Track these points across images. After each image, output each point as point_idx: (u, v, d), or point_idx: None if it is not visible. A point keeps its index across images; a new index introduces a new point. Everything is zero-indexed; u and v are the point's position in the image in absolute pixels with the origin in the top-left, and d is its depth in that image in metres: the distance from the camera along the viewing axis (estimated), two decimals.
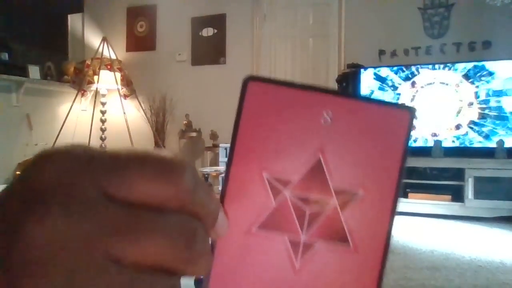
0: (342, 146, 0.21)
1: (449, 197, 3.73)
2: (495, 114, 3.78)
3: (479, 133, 3.82)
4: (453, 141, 3.90)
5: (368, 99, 0.21)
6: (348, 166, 0.21)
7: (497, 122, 3.77)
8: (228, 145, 0.21)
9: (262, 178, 0.21)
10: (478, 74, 3.81)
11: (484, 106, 3.81)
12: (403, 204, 3.82)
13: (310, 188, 0.21)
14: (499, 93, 3.76)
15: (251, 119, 0.21)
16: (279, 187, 0.21)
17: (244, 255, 0.21)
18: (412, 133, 0.21)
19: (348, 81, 4.24)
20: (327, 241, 0.21)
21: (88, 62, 4.76)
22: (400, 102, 4.04)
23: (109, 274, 0.15)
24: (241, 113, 0.21)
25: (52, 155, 0.17)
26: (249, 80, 0.21)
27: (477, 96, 3.82)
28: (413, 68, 4.02)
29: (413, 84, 4.03)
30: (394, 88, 4.09)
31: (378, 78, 4.14)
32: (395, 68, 4.09)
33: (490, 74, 3.78)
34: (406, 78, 4.04)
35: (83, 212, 0.15)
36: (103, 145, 4.83)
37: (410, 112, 0.21)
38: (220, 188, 0.21)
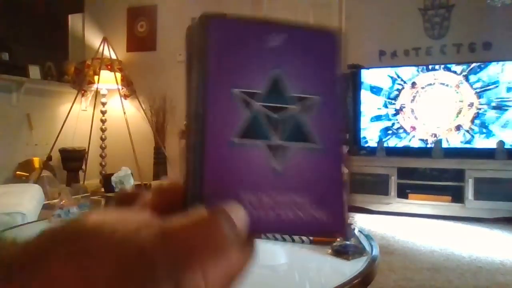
0: (293, 62, 0.26)
1: (449, 198, 3.73)
2: (496, 115, 3.78)
3: (479, 134, 3.82)
4: (453, 142, 3.90)
5: (304, 25, 0.26)
6: (302, 77, 0.26)
7: (497, 123, 3.77)
8: None
9: (234, 94, 0.24)
10: (479, 75, 3.81)
11: (484, 107, 3.81)
12: (403, 205, 3.82)
13: (275, 98, 0.25)
14: (499, 94, 3.76)
15: (217, 49, 0.24)
16: (249, 100, 0.24)
17: (230, 164, 0.23)
18: (342, 55, 0.28)
19: (349, 81, 4.24)
20: (298, 142, 0.25)
21: (89, 62, 4.76)
22: (399, 101, 4.05)
23: None
24: (208, 45, 0.24)
25: None
26: (210, 18, 0.25)
27: (477, 97, 3.82)
28: (413, 69, 4.02)
29: (413, 85, 4.03)
30: (394, 88, 4.09)
31: (378, 78, 4.14)
32: (395, 69, 4.09)
33: (490, 75, 3.78)
34: (406, 79, 4.04)
35: None
36: (103, 145, 4.84)
37: (336, 32, 0.28)
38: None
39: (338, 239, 1.11)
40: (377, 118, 4.16)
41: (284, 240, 1.21)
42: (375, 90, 4.15)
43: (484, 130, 3.81)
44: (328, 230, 0.25)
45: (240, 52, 0.25)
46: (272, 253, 1.23)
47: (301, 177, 0.25)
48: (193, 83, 0.24)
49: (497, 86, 3.76)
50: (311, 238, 1.19)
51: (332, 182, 0.25)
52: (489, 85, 3.79)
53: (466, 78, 3.85)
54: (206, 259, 0.18)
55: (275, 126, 0.25)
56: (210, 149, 0.23)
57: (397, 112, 4.09)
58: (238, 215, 0.21)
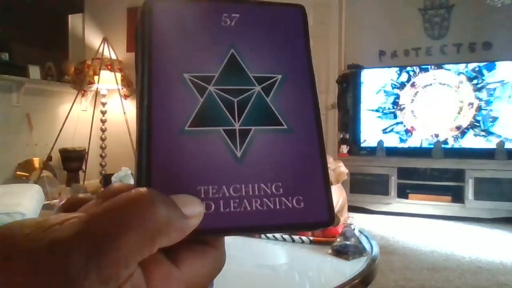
0: (250, 41, 0.24)
1: (449, 198, 3.73)
2: (496, 115, 3.78)
3: (479, 134, 3.82)
4: (454, 142, 3.90)
5: (261, 2, 0.25)
6: (261, 56, 0.24)
7: (498, 123, 3.77)
8: None
9: (185, 79, 0.22)
10: (479, 75, 3.81)
11: (484, 107, 3.81)
12: (403, 205, 3.82)
13: (231, 80, 0.23)
14: (499, 94, 3.76)
15: (163, 33, 0.22)
16: (202, 84, 0.22)
17: (182, 153, 0.21)
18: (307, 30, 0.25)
19: (348, 81, 4.24)
20: (261, 125, 0.22)
21: (89, 62, 4.75)
22: (399, 101, 4.04)
23: None
24: (152, 29, 0.22)
25: None
26: (153, 1, 0.23)
27: (477, 97, 3.82)
28: (414, 69, 4.02)
29: (413, 85, 4.03)
30: (394, 88, 4.09)
31: (378, 78, 4.14)
32: (395, 69, 4.09)
33: (490, 75, 3.78)
34: (406, 79, 4.04)
35: None
36: (103, 145, 4.84)
37: (301, 8, 0.25)
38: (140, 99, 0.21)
39: (337, 239, 1.11)
40: (377, 118, 4.16)
41: (284, 240, 1.21)
42: (375, 90, 4.15)
43: (484, 130, 3.81)
44: (310, 221, 0.22)
45: (189, 35, 0.23)
46: (272, 253, 1.23)
47: (268, 163, 0.22)
48: (139, 72, 0.22)
49: (497, 86, 3.76)
50: (311, 238, 1.19)
51: (307, 165, 0.22)
52: (489, 85, 3.79)
53: (466, 78, 3.85)
54: (133, 240, 0.16)
55: (233, 110, 0.22)
56: (156, 138, 0.21)
57: (397, 112, 4.09)
58: (189, 204, 0.19)
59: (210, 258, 0.20)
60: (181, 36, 0.23)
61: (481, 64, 3.81)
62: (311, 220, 0.22)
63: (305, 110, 0.23)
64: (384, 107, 4.13)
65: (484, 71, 3.79)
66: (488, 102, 3.80)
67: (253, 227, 0.21)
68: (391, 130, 4.12)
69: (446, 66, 3.92)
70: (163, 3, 0.23)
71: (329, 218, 0.22)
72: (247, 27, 0.24)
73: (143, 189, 0.18)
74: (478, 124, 3.83)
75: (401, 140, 4.09)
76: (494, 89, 3.77)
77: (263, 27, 0.24)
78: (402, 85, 4.06)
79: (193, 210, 0.19)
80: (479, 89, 3.82)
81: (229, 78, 0.23)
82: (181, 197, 0.19)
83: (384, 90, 4.12)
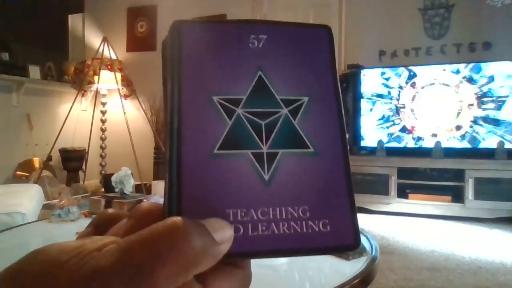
0: (277, 63, 0.24)
1: (449, 198, 3.73)
2: (496, 115, 3.78)
3: (479, 134, 3.82)
4: (454, 142, 3.90)
5: (288, 23, 0.25)
6: (288, 78, 0.24)
7: (498, 123, 3.77)
8: None
9: (213, 102, 0.22)
10: (478, 75, 3.81)
11: (484, 107, 3.81)
12: (403, 205, 3.82)
13: (259, 103, 0.23)
14: (499, 94, 3.76)
15: (192, 56, 0.23)
16: (230, 107, 0.23)
17: (211, 177, 0.21)
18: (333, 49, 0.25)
19: (348, 81, 4.24)
20: (288, 148, 0.23)
21: (89, 62, 4.76)
22: (399, 101, 4.04)
23: None
24: (182, 52, 0.23)
25: None
26: (182, 24, 0.23)
27: (477, 97, 3.83)
28: (414, 69, 4.02)
29: (413, 85, 4.03)
30: (394, 88, 4.09)
31: (378, 78, 4.14)
32: (395, 69, 4.09)
33: (490, 75, 3.78)
34: (406, 79, 4.04)
35: None
36: (103, 145, 4.84)
37: (327, 28, 0.26)
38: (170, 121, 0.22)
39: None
40: (377, 118, 4.16)
41: None
42: (375, 90, 4.15)
43: (484, 130, 3.81)
44: (336, 245, 0.22)
45: (217, 57, 0.23)
46: None
47: (295, 186, 0.22)
48: (169, 94, 0.22)
49: (497, 86, 3.76)
50: None
51: (332, 188, 0.23)
52: (489, 85, 3.79)
53: (466, 78, 3.85)
54: (169, 272, 0.17)
55: (261, 133, 0.23)
56: (186, 162, 0.21)
57: (397, 112, 4.09)
58: (220, 229, 0.19)
59: (237, 279, 0.21)
60: (209, 58, 0.23)
61: (481, 64, 3.81)
62: (337, 244, 0.22)
63: (332, 133, 0.24)
64: (384, 107, 4.13)
65: (484, 71, 3.79)
66: (488, 102, 3.80)
67: (280, 251, 0.21)
68: (391, 130, 4.12)
69: (446, 66, 3.92)
70: (192, 24, 0.23)
71: (355, 242, 0.22)
72: (274, 49, 0.24)
73: (177, 219, 0.18)
74: (478, 124, 3.83)
75: (401, 140, 4.09)
76: (494, 89, 3.77)
77: (289, 48, 0.24)
78: (402, 85, 4.06)
79: (224, 235, 0.19)
80: (479, 89, 3.82)
81: (257, 100, 0.23)
82: (212, 221, 0.19)
83: (384, 90, 4.12)
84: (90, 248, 0.17)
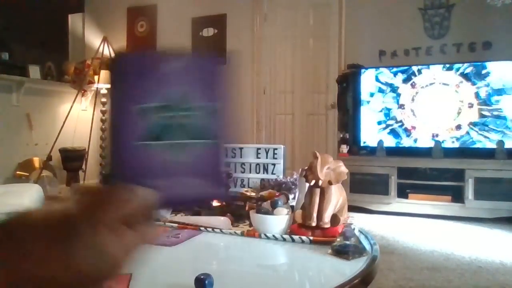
0: (188, 81, 0.35)
1: (449, 197, 3.73)
2: (495, 114, 3.78)
3: (479, 134, 3.82)
4: (453, 142, 3.90)
5: (194, 54, 0.38)
6: (195, 92, 0.35)
7: (497, 122, 3.77)
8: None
9: (134, 110, 0.33)
10: (478, 75, 3.81)
11: (484, 107, 3.81)
12: (403, 205, 3.82)
13: (178, 108, 0.35)
14: (499, 94, 3.76)
15: (120, 78, 0.34)
16: (147, 112, 0.34)
17: (138, 160, 0.36)
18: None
19: (348, 81, 4.24)
20: (197, 140, 0.37)
21: (89, 62, 4.76)
22: (399, 101, 4.04)
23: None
24: (114, 76, 0.34)
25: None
26: (118, 56, 0.36)
27: (477, 97, 3.83)
28: (414, 69, 4.02)
29: (413, 84, 4.03)
30: (394, 88, 4.09)
31: (378, 78, 4.14)
32: (395, 69, 4.09)
33: (490, 74, 3.78)
34: (406, 79, 4.04)
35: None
36: (103, 145, 4.83)
37: (216, 57, 0.37)
38: None
39: (337, 239, 1.11)
40: (377, 118, 4.16)
41: (284, 240, 1.21)
42: (375, 90, 4.15)
43: (484, 130, 3.81)
44: (214, 197, 0.35)
45: (139, 79, 0.33)
46: (272, 253, 1.23)
47: (198, 164, 0.35)
48: (110, 103, 0.34)
49: (497, 86, 3.76)
50: (311, 237, 1.19)
51: (215, 164, 0.36)
52: (489, 85, 3.79)
53: (466, 78, 3.85)
54: (114, 211, 0.28)
55: (175, 129, 0.34)
56: (119, 150, 0.33)
57: (397, 112, 4.09)
58: (142, 192, 0.30)
59: (144, 229, 0.31)
60: (133, 80, 0.34)
61: (481, 63, 3.80)
62: (215, 196, 0.39)
63: (224, 129, 0.36)
64: (384, 107, 4.13)
65: (484, 71, 3.79)
66: (488, 102, 3.80)
67: (184, 202, 0.38)
68: (391, 130, 4.12)
69: (446, 66, 3.92)
70: (123, 56, 0.36)
71: (224, 195, 0.41)
72: (184, 71, 0.35)
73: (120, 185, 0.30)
74: (478, 124, 3.83)
75: (401, 140, 4.09)
76: (494, 89, 3.77)
77: (195, 70, 0.36)
78: (402, 85, 4.06)
79: (143, 194, 0.31)
80: (479, 89, 3.82)
81: (174, 106, 0.34)
82: (136, 187, 0.30)
83: (384, 90, 4.12)
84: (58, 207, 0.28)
